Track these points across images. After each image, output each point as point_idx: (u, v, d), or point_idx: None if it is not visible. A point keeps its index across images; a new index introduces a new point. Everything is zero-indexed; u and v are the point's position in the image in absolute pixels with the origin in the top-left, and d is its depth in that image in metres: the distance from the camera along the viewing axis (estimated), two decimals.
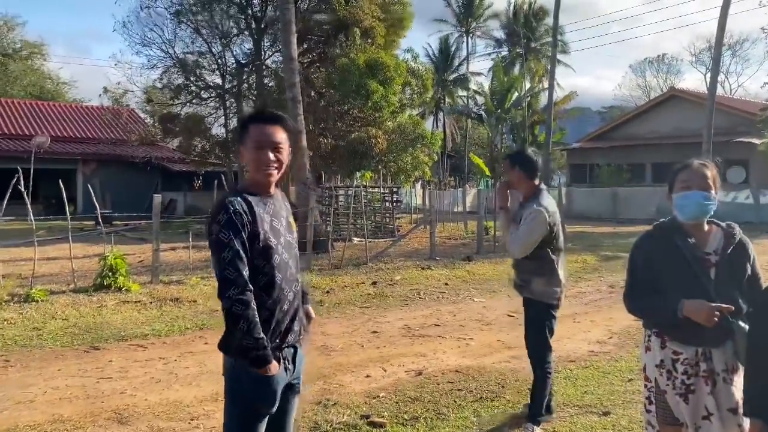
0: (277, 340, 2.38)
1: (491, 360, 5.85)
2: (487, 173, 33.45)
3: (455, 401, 4.68)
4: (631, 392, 4.68)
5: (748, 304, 2.57)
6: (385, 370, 5.55)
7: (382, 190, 17.61)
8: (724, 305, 2.45)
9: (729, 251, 2.62)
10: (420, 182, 30.30)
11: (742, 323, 2.53)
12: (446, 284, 10.10)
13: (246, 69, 24.02)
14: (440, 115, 46.74)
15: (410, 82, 20.88)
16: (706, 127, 21.53)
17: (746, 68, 79.63)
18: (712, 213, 2.67)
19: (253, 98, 22.59)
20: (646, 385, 2.79)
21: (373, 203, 17.61)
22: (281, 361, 2.38)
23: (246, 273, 2.24)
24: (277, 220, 2.44)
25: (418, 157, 20.13)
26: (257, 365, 2.29)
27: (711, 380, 2.58)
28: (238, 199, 2.32)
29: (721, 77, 46.48)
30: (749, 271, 2.65)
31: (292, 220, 2.59)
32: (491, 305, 8.53)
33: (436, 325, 7.37)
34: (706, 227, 2.69)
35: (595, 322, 7.48)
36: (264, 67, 23.30)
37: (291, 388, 2.52)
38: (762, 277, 2.69)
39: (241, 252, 2.24)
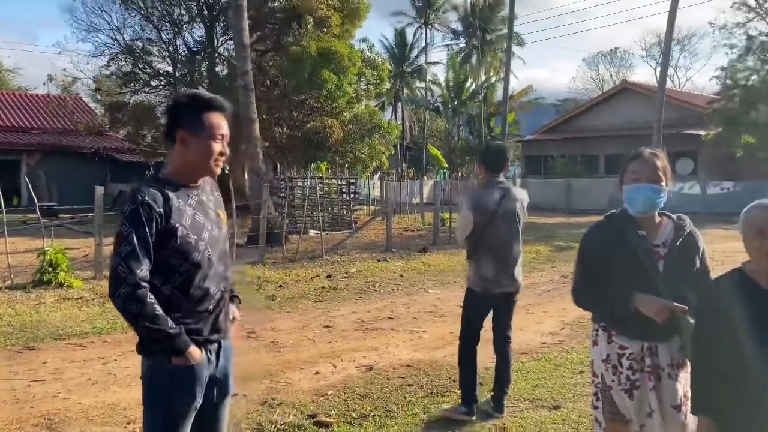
0: (200, 339, 2.20)
1: (443, 353, 5.76)
2: (445, 165, 33.58)
3: (405, 397, 4.57)
4: (581, 385, 4.66)
5: (696, 298, 2.52)
6: (335, 366, 5.41)
7: (339, 182, 17.37)
8: (677, 305, 2.39)
9: (678, 243, 2.56)
10: (378, 174, 30.23)
11: (689, 318, 2.48)
12: (402, 276, 10.01)
13: (198, 57, 23.42)
14: (399, 106, 46.65)
15: (365, 72, 20.68)
16: (657, 119, 22.02)
17: (695, 62, 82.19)
18: (663, 205, 2.61)
19: (205, 86, 21.99)
20: (593, 381, 2.73)
21: (330, 195, 17.38)
22: (203, 351, 2.20)
23: (142, 271, 2.03)
24: (201, 213, 2.24)
25: (376, 148, 19.98)
26: (175, 353, 2.10)
27: (655, 375, 2.53)
28: (151, 189, 2.11)
29: (670, 71, 47.73)
30: (698, 264, 2.59)
31: (222, 212, 2.40)
32: (446, 297, 8.46)
33: (389, 318, 7.26)
34: (657, 219, 2.63)
35: (548, 312, 7.49)
36: (216, 54, 22.75)
37: (220, 390, 2.32)
38: (711, 271, 2.64)
39: (139, 248, 2.03)
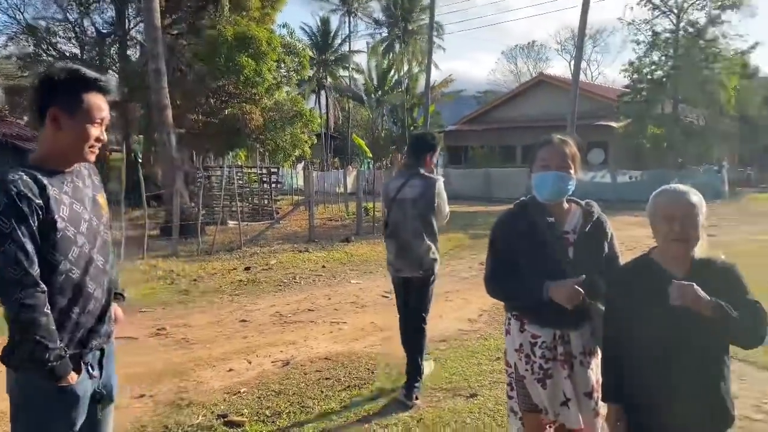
0: (79, 346, 1.97)
1: (363, 344, 5.68)
2: (369, 154, 33.57)
3: (322, 392, 4.45)
4: (498, 372, 4.68)
5: (606, 284, 2.53)
6: (250, 363, 5.20)
7: (259, 171, 16.92)
8: (584, 288, 2.38)
9: (587, 229, 2.55)
10: (302, 163, 29.80)
11: (599, 304, 2.49)
12: (323, 267, 9.85)
13: (107, 39, 22.18)
14: (322, 95, 46.15)
15: (285, 58, 20.25)
16: (571, 111, 22.85)
17: (606, 57, 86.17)
18: (571, 192, 2.60)
19: (116, 70, 20.86)
20: (506, 371, 2.70)
21: (250, 184, 16.90)
22: (83, 367, 1.98)
23: (35, 270, 1.80)
24: (78, 203, 1.99)
25: (298, 136, 19.63)
26: (52, 378, 1.88)
27: (568, 364, 2.52)
28: (25, 177, 1.85)
29: (583, 65, 49.73)
30: (607, 250, 2.60)
31: (102, 197, 2.15)
32: (367, 286, 8.39)
33: (309, 310, 7.10)
34: (566, 205, 2.62)
35: (467, 300, 7.55)
36: (128, 37, 21.61)
37: (101, 398, 2.11)
38: (619, 256, 2.66)
39: (28, 244, 1.79)
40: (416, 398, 4.14)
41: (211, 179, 15.42)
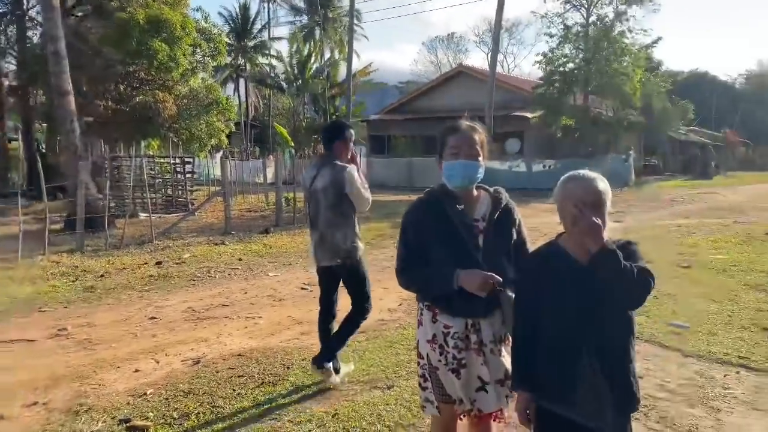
0: None
1: (279, 339, 5.52)
2: (291, 143, 33.05)
3: (234, 390, 4.26)
4: (415, 362, 4.65)
5: (515, 271, 2.52)
6: (158, 362, 4.93)
7: (172, 160, 16.20)
8: (496, 277, 2.36)
9: (496, 216, 2.53)
10: (221, 152, 28.91)
11: (509, 291, 2.47)
12: (240, 260, 9.55)
13: (4, 19, 20.56)
14: (242, 82, 44.91)
15: (201, 43, 19.50)
16: (488, 101, 23.36)
17: (522, 49, 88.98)
18: (480, 179, 2.56)
19: (14, 53, 19.39)
20: (419, 362, 2.64)
21: (163, 175, 16.17)
22: None
23: None
24: None
25: (214, 125, 18.98)
26: None
27: (481, 352, 2.50)
28: None
29: (500, 57, 51.04)
30: (515, 236, 2.59)
31: None
32: (286, 279, 8.20)
33: (224, 305, 6.84)
34: (475, 193, 2.59)
35: (388, 289, 7.50)
36: (27, 18, 20.11)
37: None
38: (527, 242, 2.66)
39: None
40: (327, 365, 4.24)
41: (120, 169, 14.60)
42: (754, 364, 4.65)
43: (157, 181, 15.65)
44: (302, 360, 4.85)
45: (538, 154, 26.21)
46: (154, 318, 6.32)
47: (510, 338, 2.46)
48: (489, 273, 2.37)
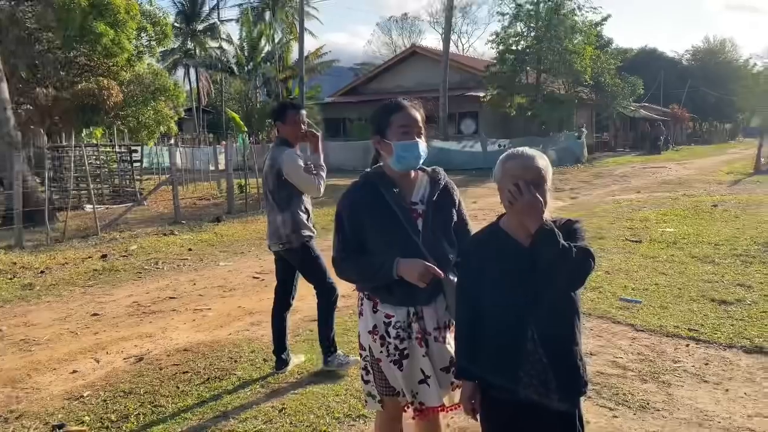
0: None
1: (228, 331, 5.32)
2: (244, 129, 32.35)
3: (178, 387, 4.07)
4: None
5: (457, 254, 2.41)
6: (98, 361, 4.69)
7: (118, 149, 15.58)
8: (436, 270, 2.25)
9: (435, 198, 2.41)
10: (173, 140, 28.14)
11: (452, 276, 2.36)
12: (190, 250, 9.25)
13: None
14: (191, 67, 43.71)
15: (147, 27, 18.75)
16: (442, 81, 23.29)
17: (475, 29, 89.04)
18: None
19: None
20: (361, 354, 2.52)
21: (108, 164, 15.55)
22: None
23: None
24: None
25: (162, 111, 18.33)
26: None
27: (424, 341, 2.39)
28: None
29: (454, 37, 51.07)
30: (456, 218, 2.48)
31: None
32: (237, 268, 7.97)
33: (171, 297, 6.59)
34: (412, 174, 2.45)
35: None
36: None
37: None
38: (469, 223, 2.55)
39: None
40: (337, 364, 4.18)
41: (62, 160, 13.97)
42: (703, 336, 4.70)
43: (102, 171, 15.04)
44: (251, 352, 4.68)
45: (492, 133, 26.34)
46: (97, 314, 6.03)
47: (454, 324, 2.36)
48: (429, 264, 2.26)
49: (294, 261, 4.20)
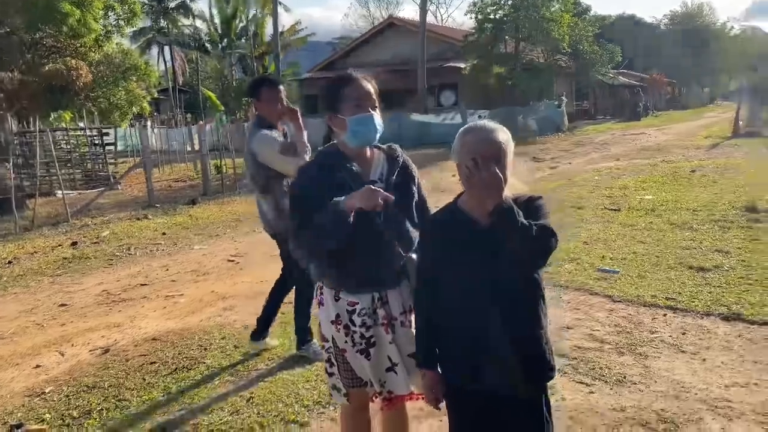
0: None
1: (199, 318, 5.18)
2: (221, 108, 31.81)
3: (144, 379, 3.94)
4: None
5: (419, 233, 2.28)
6: (62, 355, 4.53)
7: (88, 132, 15.17)
8: (387, 194, 2.09)
9: (394, 176, 2.26)
10: (149, 121, 27.61)
11: (414, 256, 2.23)
12: (164, 234, 9.04)
13: None
14: (165, 46, 42.72)
15: (114, 5, 18.20)
16: (420, 53, 22.96)
17: None
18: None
19: None
20: (324, 346, 2.38)
21: (79, 148, 15.15)
22: None
23: None
24: None
25: (134, 92, 17.89)
26: None
27: (390, 327, 2.27)
28: None
29: (432, 7, 50.33)
30: (416, 196, 2.34)
31: None
32: (212, 251, 7.79)
33: (142, 284, 6.41)
34: (368, 151, 2.30)
35: None
36: None
37: None
38: (428, 202, 2.42)
39: None
40: (312, 352, 4.03)
41: (32, 145, 13.54)
42: (680, 305, 4.64)
43: (73, 155, 14.66)
44: (222, 339, 4.55)
45: (472, 105, 26.11)
46: (65, 305, 5.85)
47: None
48: (374, 187, 2.10)
49: (281, 247, 3.95)
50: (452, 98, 27.70)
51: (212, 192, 12.87)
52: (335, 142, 2.28)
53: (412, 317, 2.30)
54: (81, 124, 16.11)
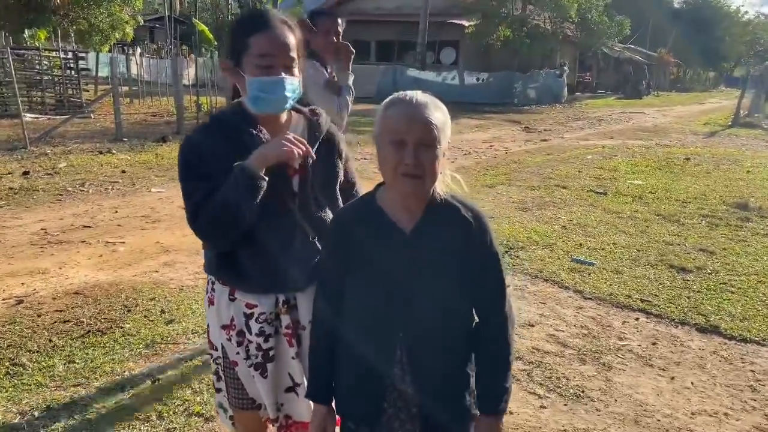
0: None
1: (134, 271, 4.73)
2: (213, 42, 30.66)
3: (50, 341, 3.50)
4: None
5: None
6: None
7: (63, 55, 14.35)
8: (306, 146, 1.66)
9: (316, 149, 1.76)
10: (138, 49, 26.54)
11: None
12: (124, 172, 8.48)
13: None
14: None
15: None
16: (423, 6, 22.03)
17: None
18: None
19: None
20: (212, 355, 1.92)
21: (52, 71, 14.36)
22: None
23: None
24: None
25: (117, 15, 16.94)
26: None
27: (296, 337, 1.81)
28: None
29: None
30: (341, 175, 1.86)
31: None
32: (170, 196, 7.27)
33: (85, 226, 5.93)
34: (284, 117, 1.79)
35: None
36: None
37: None
38: (358, 183, 1.95)
39: None
40: None
41: (2, 63, 12.78)
42: (655, 309, 4.27)
43: (44, 78, 13.89)
44: (150, 300, 4.12)
45: (472, 66, 25.30)
46: None
47: None
48: (290, 136, 1.66)
49: None
50: (452, 57, 26.80)
51: (186, 131, 12.21)
52: (242, 99, 1.77)
53: None
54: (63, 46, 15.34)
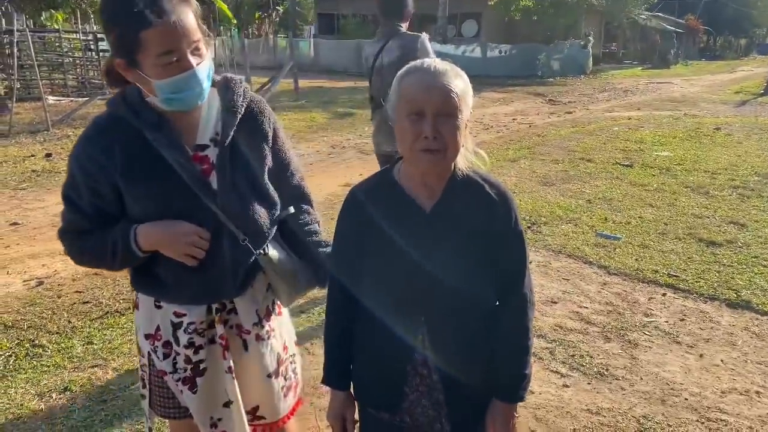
0: None
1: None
2: (233, 21, 30.53)
3: (70, 322, 3.52)
4: None
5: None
6: None
7: (83, 36, 14.37)
8: (204, 234, 1.48)
9: (232, 135, 1.51)
10: None
11: (272, 250, 1.60)
12: None
13: None
14: None
15: None
16: None
17: None
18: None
19: None
20: (140, 360, 1.71)
21: (74, 52, 14.42)
22: None
23: None
24: None
25: None
26: None
27: (235, 345, 1.63)
28: None
29: None
30: (270, 161, 1.61)
31: None
32: None
33: None
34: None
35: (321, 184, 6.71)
36: None
37: None
38: (296, 166, 1.72)
39: None
40: None
41: (18, 46, 12.83)
42: (683, 284, 4.13)
43: (65, 60, 13.95)
44: None
45: (495, 38, 24.79)
46: (17, 224, 5.43)
47: (281, 305, 1.73)
48: (196, 227, 1.48)
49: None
50: (474, 29, 26.31)
51: None
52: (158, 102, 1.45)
53: (273, 321, 1.70)
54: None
